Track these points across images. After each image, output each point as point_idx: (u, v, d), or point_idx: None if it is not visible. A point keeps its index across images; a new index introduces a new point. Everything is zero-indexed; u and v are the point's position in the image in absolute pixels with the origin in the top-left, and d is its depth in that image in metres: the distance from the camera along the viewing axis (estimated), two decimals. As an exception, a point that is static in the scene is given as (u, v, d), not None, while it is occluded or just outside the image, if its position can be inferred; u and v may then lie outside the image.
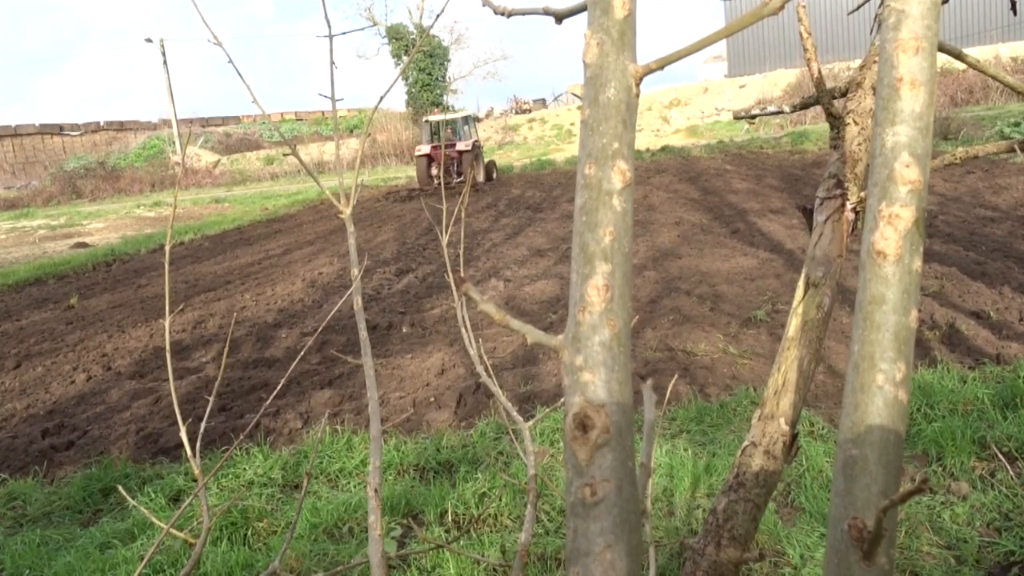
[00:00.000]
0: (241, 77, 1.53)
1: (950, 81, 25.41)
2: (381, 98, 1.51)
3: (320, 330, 1.98)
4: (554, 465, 3.86)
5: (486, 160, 22.48)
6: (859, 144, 1.53)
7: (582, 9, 0.88)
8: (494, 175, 22.42)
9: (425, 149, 20.62)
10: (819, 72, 1.57)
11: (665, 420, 4.35)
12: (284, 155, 12.04)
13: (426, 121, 22.85)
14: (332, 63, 1.49)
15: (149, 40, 37.85)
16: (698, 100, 34.54)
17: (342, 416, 4.90)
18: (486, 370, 1.68)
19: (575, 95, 39.32)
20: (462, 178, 20.08)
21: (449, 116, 22.46)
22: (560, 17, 0.98)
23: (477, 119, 24.62)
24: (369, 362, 1.39)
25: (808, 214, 1.59)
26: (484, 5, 1.10)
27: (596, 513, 0.65)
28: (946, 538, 3.01)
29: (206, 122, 42.65)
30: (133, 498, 3.87)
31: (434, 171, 20.23)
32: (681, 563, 2.95)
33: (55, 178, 34.89)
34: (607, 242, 0.70)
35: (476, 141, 21.52)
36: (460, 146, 20.42)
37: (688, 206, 13.15)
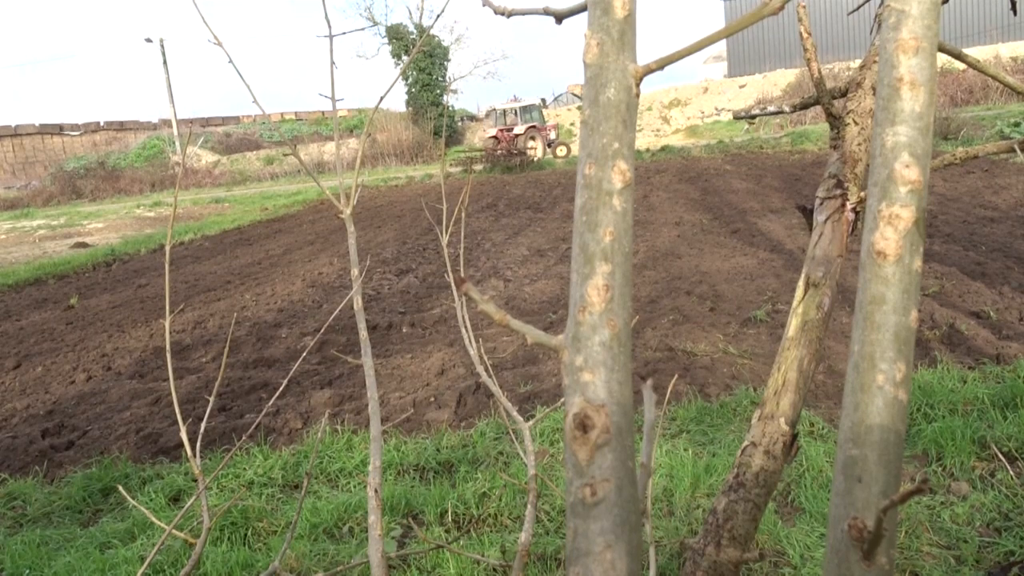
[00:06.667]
0: (241, 77, 1.53)
1: (950, 81, 25.41)
2: (381, 98, 1.51)
3: (322, 331, 1.99)
4: (554, 465, 3.86)
5: (559, 142, 28.42)
6: (859, 144, 1.53)
7: (582, 9, 0.88)
8: (550, 154, 27.64)
9: (492, 132, 27.77)
10: (819, 72, 1.57)
11: (665, 420, 4.35)
12: (284, 155, 12.13)
13: (492, 109, 29.83)
14: (332, 63, 1.49)
15: (149, 40, 37.84)
16: (698, 100, 34.54)
17: (342, 416, 4.90)
18: (486, 370, 1.68)
19: (575, 95, 39.34)
20: (518, 152, 25.48)
21: (510, 106, 28.91)
22: (560, 17, 0.98)
23: (541, 107, 30.44)
24: (369, 362, 1.39)
25: (808, 214, 1.59)
26: (484, 5, 1.10)
27: (596, 513, 0.65)
28: (946, 538, 3.01)
29: (206, 122, 42.61)
30: (133, 498, 3.87)
31: (498, 149, 26.03)
32: (681, 563, 2.95)
33: (55, 178, 34.86)
34: (607, 242, 0.70)
35: (532, 125, 27.70)
36: (516, 129, 27.24)
37: (688, 206, 13.15)
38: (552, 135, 29.00)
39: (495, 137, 27.34)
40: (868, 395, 0.70)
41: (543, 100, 34.23)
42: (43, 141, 39.40)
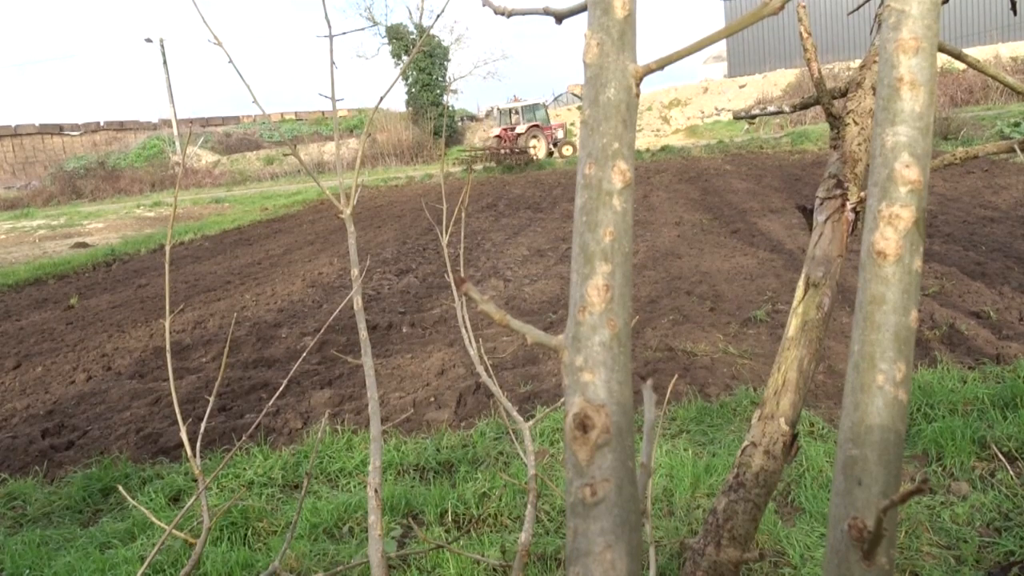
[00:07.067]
0: (241, 77, 1.53)
1: (950, 81, 25.40)
2: (381, 98, 1.51)
3: (322, 331, 1.99)
4: (554, 465, 3.86)
5: (565, 141, 28.74)
6: (859, 144, 1.53)
7: (582, 9, 0.88)
8: (555, 154, 28.10)
9: (496, 131, 28.83)
10: (819, 72, 1.57)
11: (665, 420, 4.35)
12: (284, 155, 12.14)
13: (498, 109, 30.64)
14: (332, 63, 1.49)
15: (149, 40, 37.84)
16: (698, 100, 34.53)
17: (342, 416, 4.90)
18: (486, 370, 1.68)
19: (575, 95, 39.39)
20: (520, 151, 26.20)
21: (513, 105, 29.56)
22: (560, 17, 0.98)
23: (545, 106, 30.73)
24: (369, 362, 1.39)
25: (808, 214, 1.59)
26: (484, 5, 1.10)
27: (596, 513, 0.65)
28: (946, 538, 3.01)
29: (206, 122, 42.61)
30: (133, 498, 3.87)
31: (501, 148, 26.84)
32: (681, 563, 2.95)
33: (55, 178, 34.86)
34: (607, 242, 0.70)
35: (535, 124, 28.39)
36: (518, 129, 27.99)
37: (688, 206, 13.16)
38: (559, 134, 29.18)
39: (499, 136, 28.27)
40: (868, 395, 0.70)
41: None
42: (43, 141, 39.40)
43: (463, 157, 27.67)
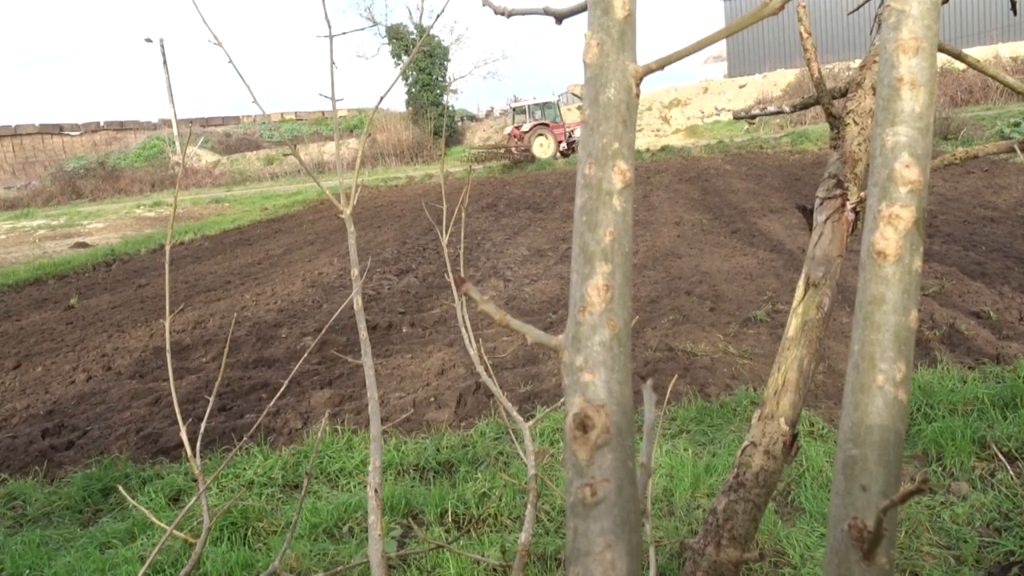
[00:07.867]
0: (241, 77, 1.53)
1: (950, 81, 25.39)
2: (381, 98, 1.51)
3: (322, 331, 1.99)
4: (554, 465, 3.86)
5: (571, 140, 28.43)
6: (859, 144, 1.53)
7: (582, 9, 0.88)
8: (570, 153, 27.85)
9: (508, 130, 29.34)
10: (819, 72, 1.57)
11: (665, 420, 4.35)
12: (284, 155, 12.13)
13: (511, 108, 31.28)
14: (332, 63, 1.49)
15: (149, 40, 37.84)
16: (698, 100, 34.52)
17: (342, 416, 4.90)
18: (486, 370, 1.68)
19: (575, 95, 39.39)
20: (525, 149, 27.05)
21: (522, 104, 30.00)
22: (560, 17, 0.98)
23: (556, 105, 30.49)
24: (369, 362, 1.39)
25: (808, 214, 1.59)
26: (484, 5, 1.10)
27: (596, 513, 0.65)
28: (946, 538, 3.01)
29: (206, 122, 42.59)
30: (133, 498, 3.87)
31: (511, 145, 27.59)
32: (681, 563, 2.95)
33: (55, 178, 34.84)
34: (607, 242, 0.70)
35: (541, 123, 28.50)
36: (524, 127, 28.26)
37: (688, 206, 13.16)
38: (578, 132, 28.81)
39: (511, 135, 28.59)
40: (868, 395, 0.70)
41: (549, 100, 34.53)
42: (43, 141, 39.39)
43: (472, 154, 27.63)
